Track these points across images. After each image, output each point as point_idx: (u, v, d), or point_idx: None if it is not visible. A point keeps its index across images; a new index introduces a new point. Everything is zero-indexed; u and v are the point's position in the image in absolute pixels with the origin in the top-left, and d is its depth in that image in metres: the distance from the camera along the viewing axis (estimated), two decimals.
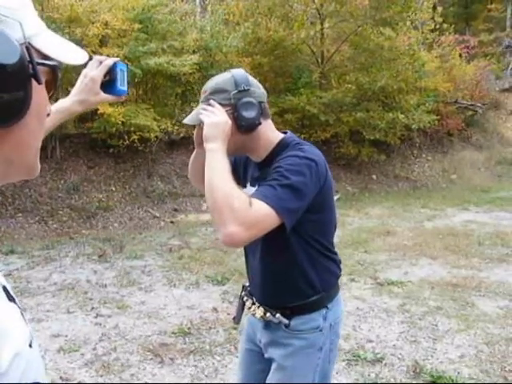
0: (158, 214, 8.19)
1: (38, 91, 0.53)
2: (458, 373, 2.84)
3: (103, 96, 1.11)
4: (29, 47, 0.51)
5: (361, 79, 11.00)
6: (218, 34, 10.36)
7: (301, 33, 11.16)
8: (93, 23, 7.75)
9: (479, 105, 15.72)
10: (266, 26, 11.20)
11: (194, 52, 9.27)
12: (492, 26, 21.81)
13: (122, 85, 1.11)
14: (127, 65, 1.15)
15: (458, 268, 5.04)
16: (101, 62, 1.10)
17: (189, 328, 3.51)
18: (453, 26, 17.25)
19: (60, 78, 0.59)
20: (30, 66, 0.50)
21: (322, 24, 11.70)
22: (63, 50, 0.58)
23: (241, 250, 5.48)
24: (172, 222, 7.82)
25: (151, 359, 3.04)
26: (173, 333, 3.44)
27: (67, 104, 1.12)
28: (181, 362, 3.01)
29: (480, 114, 15.98)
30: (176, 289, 4.45)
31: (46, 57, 0.55)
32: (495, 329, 3.46)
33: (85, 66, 1.10)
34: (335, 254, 1.47)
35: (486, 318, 3.68)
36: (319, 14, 11.56)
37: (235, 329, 3.44)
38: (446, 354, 3.09)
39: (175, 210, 8.52)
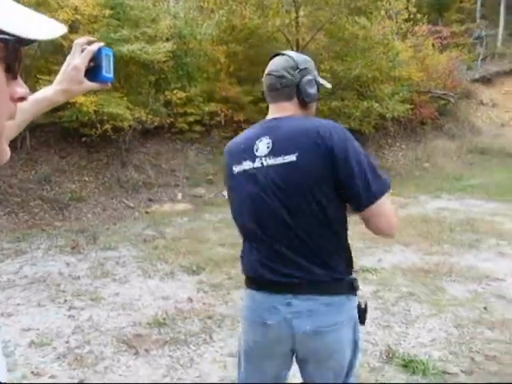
0: (132, 205, 8.09)
1: None
2: (429, 356, 2.91)
3: (88, 84, 1.04)
4: None
5: (336, 68, 11.04)
6: (192, 21, 10.21)
7: (276, 21, 11.10)
8: (62, 8, 7.52)
9: (451, 94, 16.00)
10: (240, 13, 11.08)
11: (167, 39, 9.11)
12: (464, 17, 22.16)
13: (108, 71, 1.05)
14: (112, 50, 1.08)
15: (430, 254, 5.14)
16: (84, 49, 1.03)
17: (164, 318, 3.49)
18: (426, 16, 17.43)
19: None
20: None
21: (296, 12, 11.65)
22: (24, 22, 0.51)
23: (216, 240, 5.43)
24: (147, 213, 7.73)
25: (125, 351, 3.01)
26: (147, 324, 3.41)
27: (49, 93, 1.05)
28: (156, 353, 2.99)
29: (452, 104, 16.28)
30: (151, 279, 4.42)
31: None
32: (464, 312, 3.55)
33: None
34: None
35: (456, 302, 3.77)
36: (294, 2, 11.49)
37: (210, 318, 3.44)
38: (417, 338, 3.16)
39: (150, 200, 8.42)
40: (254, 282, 1.46)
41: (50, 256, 5.23)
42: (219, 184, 9.53)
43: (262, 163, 1.39)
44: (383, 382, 2.63)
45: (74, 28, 7.92)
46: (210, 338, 3.18)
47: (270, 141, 1.39)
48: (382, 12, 13.00)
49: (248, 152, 1.42)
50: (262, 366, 1.49)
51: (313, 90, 1.44)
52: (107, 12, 8.07)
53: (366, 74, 11.24)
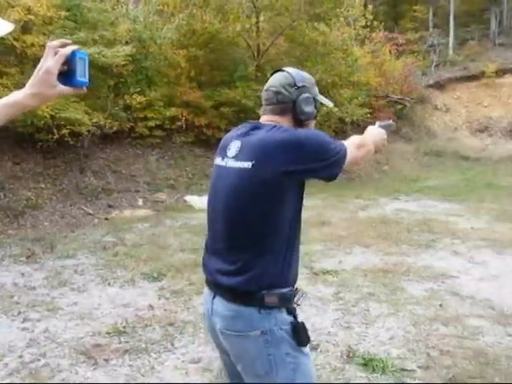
0: (91, 211, 7.89)
1: None
2: (388, 354, 2.98)
3: (61, 88, 1.01)
4: None
5: None
6: (152, 25, 10.11)
7: (236, 26, 11.15)
8: (13, 7, 7.26)
9: (407, 99, 16.55)
10: (201, 17, 11.08)
11: (126, 43, 8.98)
12: (417, 26, 23.01)
13: (82, 76, 1.02)
14: (87, 53, 1.05)
15: (389, 255, 5.28)
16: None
17: (124, 327, 3.41)
18: (383, 23, 17.99)
19: None
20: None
21: (257, 17, 11.75)
22: None
23: (177, 246, 5.36)
24: (106, 219, 7.56)
25: (84, 362, 2.92)
26: (107, 333, 3.32)
27: (19, 97, 1.00)
28: (115, 363, 2.92)
29: (408, 108, 16.83)
30: (110, 287, 4.31)
31: None
32: (421, 310, 3.66)
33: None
34: None
35: (413, 300, 3.89)
36: (254, 7, 11.59)
37: (171, 325, 3.40)
38: (377, 337, 3.23)
39: (110, 206, 8.24)
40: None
41: (4, 266, 5.01)
42: (180, 189, 9.45)
43: (226, 163, 1.45)
44: (343, 381, 2.67)
45: (27, 29, 7.68)
46: (172, 345, 3.14)
47: (240, 145, 1.43)
48: (341, 19, 13.32)
49: (224, 149, 1.49)
50: (217, 350, 1.61)
51: (309, 108, 1.46)
52: (63, 13, 7.87)
53: (326, 78, 11.45)
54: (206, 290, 1.52)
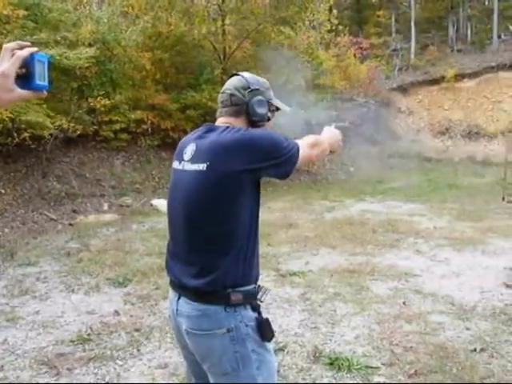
0: (54, 217, 7.68)
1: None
2: (354, 352, 3.03)
3: (19, 93, 0.96)
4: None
5: (262, 76, 11.23)
6: (116, 26, 9.97)
7: (202, 28, 11.13)
8: None
9: (372, 102, 16.91)
10: (166, 20, 10.99)
11: (90, 45, 8.80)
12: (381, 31, 23.56)
13: (42, 79, 0.98)
14: (47, 56, 1.01)
15: (355, 255, 5.37)
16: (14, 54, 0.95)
17: (88, 334, 3.34)
18: (347, 28, 18.34)
19: None
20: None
21: (223, 20, 11.76)
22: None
23: (143, 250, 5.29)
24: (70, 225, 7.38)
25: (46, 372, 2.84)
26: (71, 341, 3.24)
27: None
28: (79, 372, 2.85)
29: (373, 111, 17.20)
30: (75, 294, 4.21)
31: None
32: (385, 308, 3.74)
33: None
34: None
35: (378, 299, 3.97)
36: (220, 10, 11.59)
37: (138, 330, 3.35)
38: (343, 337, 3.28)
39: (74, 211, 8.05)
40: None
41: None
42: (147, 193, 9.34)
43: (183, 167, 1.48)
44: (309, 381, 2.70)
45: None
46: (138, 350, 3.09)
47: (195, 147, 1.46)
48: (306, 23, 13.48)
49: (180, 153, 1.52)
50: (182, 352, 1.61)
51: (261, 110, 1.50)
52: (21, 12, 7.63)
53: (292, 81, 11.55)
54: (171, 291, 1.53)
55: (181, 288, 1.47)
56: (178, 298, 1.47)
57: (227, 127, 1.44)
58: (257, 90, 1.51)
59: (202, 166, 1.39)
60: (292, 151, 1.42)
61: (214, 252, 1.40)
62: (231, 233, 1.39)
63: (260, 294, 1.47)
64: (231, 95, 1.50)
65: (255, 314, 1.43)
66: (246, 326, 1.40)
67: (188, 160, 1.46)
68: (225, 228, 1.39)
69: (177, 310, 1.47)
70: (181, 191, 1.46)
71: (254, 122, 1.50)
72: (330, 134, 1.73)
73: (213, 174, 1.37)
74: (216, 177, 1.37)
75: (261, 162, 1.37)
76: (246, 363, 1.40)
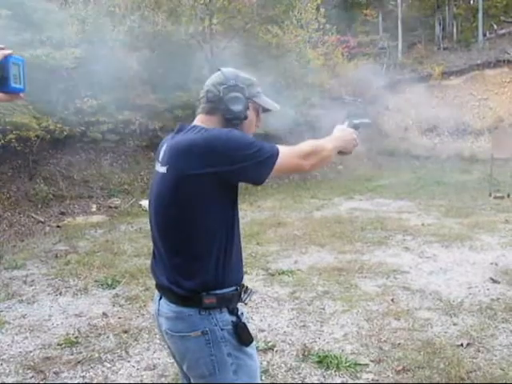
0: (42, 219, 7.60)
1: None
2: (342, 350, 3.04)
3: None
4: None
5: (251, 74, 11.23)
6: (103, 26, 9.89)
7: (189, 28, 11.08)
8: None
9: (360, 100, 16.98)
10: (153, 19, 10.93)
11: (76, 45, 8.73)
12: (368, 29, 23.65)
13: (18, 82, 0.97)
14: (23, 59, 1.00)
15: (344, 253, 5.39)
16: None
17: (76, 337, 3.31)
18: (335, 26, 18.38)
19: None
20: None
21: (210, 20, 11.72)
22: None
23: (132, 251, 5.24)
24: (58, 227, 7.31)
25: (32, 377, 2.81)
26: (58, 344, 3.21)
27: None
28: (67, 375, 2.83)
29: (361, 109, 17.26)
30: (62, 297, 4.17)
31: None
32: (374, 306, 3.77)
33: None
34: None
35: (367, 296, 3.99)
36: (207, 9, 11.56)
37: (126, 332, 3.33)
38: (331, 335, 3.29)
39: (62, 213, 7.98)
40: None
41: None
42: (135, 193, 9.28)
43: (157, 168, 1.46)
44: (298, 380, 2.71)
45: None
46: (126, 353, 3.07)
47: (165, 149, 1.44)
48: (294, 22, 13.49)
49: (158, 153, 1.49)
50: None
51: (236, 108, 1.41)
52: (4, 12, 7.53)
53: (280, 80, 11.57)
54: (156, 290, 1.54)
55: (161, 288, 1.47)
56: (160, 298, 1.48)
57: (193, 127, 1.40)
58: (234, 85, 1.42)
59: (164, 169, 1.38)
60: (264, 156, 1.32)
61: (183, 255, 1.38)
62: (199, 238, 1.36)
63: (244, 295, 1.45)
64: (207, 91, 1.45)
65: (232, 318, 1.40)
66: (222, 329, 1.37)
67: (159, 161, 1.44)
68: (192, 233, 1.36)
69: (158, 310, 1.48)
70: (152, 193, 1.47)
71: (228, 120, 1.42)
72: (340, 134, 1.58)
73: (170, 177, 1.34)
74: (173, 180, 1.34)
75: (223, 165, 1.29)
76: (222, 367, 1.38)
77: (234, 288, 1.43)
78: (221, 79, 1.45)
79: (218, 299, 1.38)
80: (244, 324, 1.41)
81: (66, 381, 2.75)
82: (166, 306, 1.43)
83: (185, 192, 1.33)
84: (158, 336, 3.24)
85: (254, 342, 1.47)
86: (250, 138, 1.36)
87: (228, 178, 1.34)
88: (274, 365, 2.88)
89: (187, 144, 1.33)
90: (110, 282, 4.42)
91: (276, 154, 1.34)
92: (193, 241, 1.37)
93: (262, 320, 3.53)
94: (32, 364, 2.94)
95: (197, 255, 1.37)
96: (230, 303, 1.41)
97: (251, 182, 1.40)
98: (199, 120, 1.47)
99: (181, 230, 1.37)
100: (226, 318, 1.39)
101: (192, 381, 1.47)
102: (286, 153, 1.37)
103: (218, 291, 1.38)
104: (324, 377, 2.74)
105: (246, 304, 1.47)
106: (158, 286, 1.49)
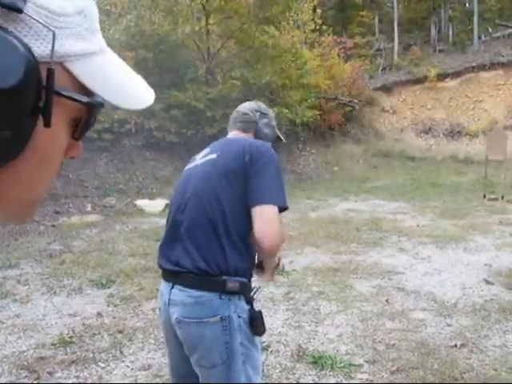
0: (36, 218, 7.56)
1: (49, 133, 0.39)
2: (337, 351, 3.05)
3: None
4: (52, 70, 0.36)
5: (246, 75, 11.24)
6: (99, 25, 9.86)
7: (186, 28, 11.07)
8: None
9: (356, 101, 17.01)
10: (149, 19, 10.92)
11: None
12: (364, 31, 23.72)
13: None
14: None
15: (339, 254, 5.40)
16: None
17: (70, 337, 3.30)
18: (331, 27, 18.42)
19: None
20: (44, 95, 0.36)
21: (206, 20, 11.72)
22: (117, 86, 0.44)
23: (127, 251, 5.23)
24: (53, 226, 7.28)
25: (25, 377, 2.79)
26: (52, 344, 3.20)
27: None
28: (61, 375, 2.81)
29: (357, 110, 17.30)
30: (57, 296, 4.15)
31: (86, 89, 0.41)
32: (368, 306, 3.78)
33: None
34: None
35: (362, 297, 4.00)
36: (204, 9, 11.55)
37: (121, 332, 3.32)
38: (326, 335, 3.29)
39: (56, 212, 7.95)
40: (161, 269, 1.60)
41: None
42: (130, 193, 9.26)
43: (196, 163, 1.63)
44: (293, 381, 2.71)
45: None
46: (121, 352, 3.06)
47: (209, 149, 1.66)
48: (290, 22, 13.51)
49: (193, 160, 1.71)
50: (168, 348, 1.62)
51: (268, 131, 1.76)
52: None
53: (276, 81, 11.59)
54: (163, 282, 1.54)
55: (176, 274, 1.47)
56: (171, 288, 1.47)
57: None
58: (266, 114, 1.77)
59: (215, 155, 1.56)
60: (281, 194, 1.50)
61: (219, 236, 1.43)
62: (237, 222, 1.45)
63: (253, 291, 1.51)
64: (244, 114, 1.74)
65: (249, 307, 1.45)
66: (239, 317, 1.42)
67: (201, 158, 1.63)
68: (232, 215, 1.45)
69: (169, 300, 1.47)
70: (194, 178, 1.56)
71: (260, 139, 1.70)
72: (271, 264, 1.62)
73: (222, 161, 1.52)
74: (223, 164, 1.51)
75: (255, 175, 1.48)
76: (234, 356, 1.41)
77: (250, 279, 1.50)
78: (255, 107, 1.78)
79: (240, 285, 1.43)
80: (260, 313, 1.46)
81: (59, 381, 2.74)
82: (182, 293, 1.44)
83: (234, 177, 1.50)
84: (152, 336, 3.23)
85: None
86: (283, 185, 1.55)
87: (252, 187, 1.55)
88: (268, 365, 2.88)
89: (245, 142, 1.60)
90: (104, 282, 4.40)
91: (283, 202, 1.50)
92: (234, 224, 1.45)
93: None
94: (26, 364, 2.92)
95: (235, 238, 1.44)
96: (249, 292, 1.47)
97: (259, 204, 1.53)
98: (235, 135, 1.73)
99: (226, 211, 1.45)
100: (244, 305, 1.44)
101: (200, 373, 1.47)
102: (278, 219, 1.46)
103: (240, 278, 1.44)
104: (318, 377, 2.74)
105: (253, 300, 1.51)
106: (171, 273, 1.49)
